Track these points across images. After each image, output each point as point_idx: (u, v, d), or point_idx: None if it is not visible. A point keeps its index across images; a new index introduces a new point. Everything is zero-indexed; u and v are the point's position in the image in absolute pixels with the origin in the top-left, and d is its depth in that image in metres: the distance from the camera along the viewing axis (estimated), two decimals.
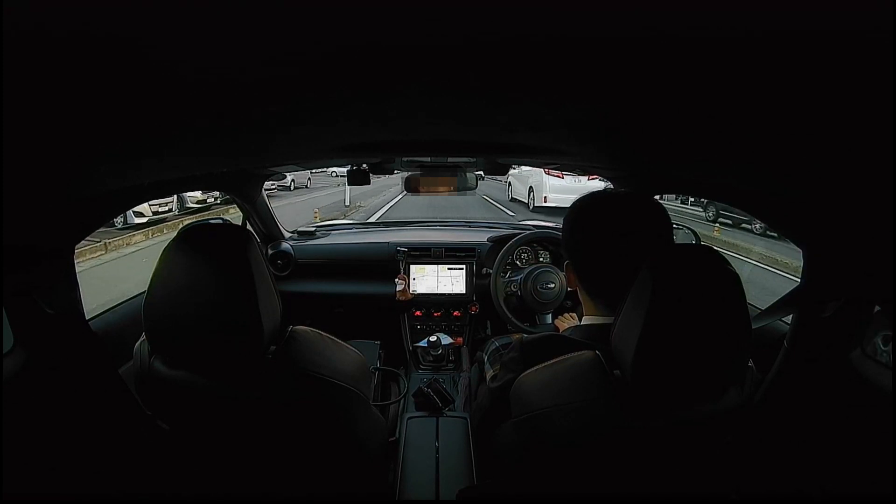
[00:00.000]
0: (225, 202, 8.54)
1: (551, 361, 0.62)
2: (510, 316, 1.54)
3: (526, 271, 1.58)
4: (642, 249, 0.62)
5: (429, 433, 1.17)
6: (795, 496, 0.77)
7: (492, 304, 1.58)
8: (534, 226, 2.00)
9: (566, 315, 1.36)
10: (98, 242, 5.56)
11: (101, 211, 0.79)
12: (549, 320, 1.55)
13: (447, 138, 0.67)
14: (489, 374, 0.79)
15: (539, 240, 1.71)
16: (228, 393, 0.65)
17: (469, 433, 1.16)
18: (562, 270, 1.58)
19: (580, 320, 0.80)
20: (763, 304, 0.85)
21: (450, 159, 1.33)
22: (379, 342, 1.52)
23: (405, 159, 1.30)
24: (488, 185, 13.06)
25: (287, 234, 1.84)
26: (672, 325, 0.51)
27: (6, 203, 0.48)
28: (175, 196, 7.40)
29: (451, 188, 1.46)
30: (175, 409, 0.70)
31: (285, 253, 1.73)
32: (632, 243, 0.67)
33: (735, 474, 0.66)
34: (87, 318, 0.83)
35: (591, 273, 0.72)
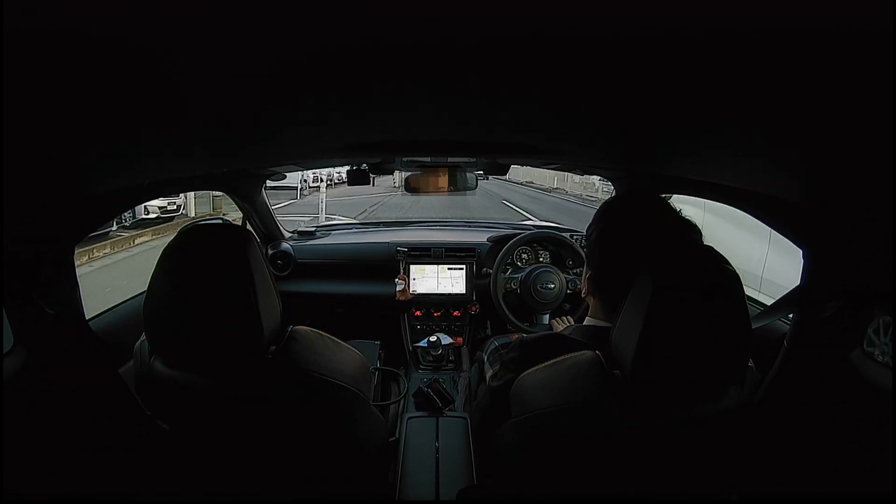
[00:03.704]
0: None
1: (551, 361, 0.62)
2: (508, 313, 1.54)
3: (526, 271, 1.58)
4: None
5: (429, 433, 1.17)
6: (795, 496, 0.77)
7: (492, 304, 1.58)
8: (534, 226, 2.00)
9: (562, 318, 1.36)
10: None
11: (101, 211, 0.79)
12: (546, 321, 1.55)
13: (447, 138, 0.67)
14: (489, 373, 0.79)
15: (539, 240, 1.71)
16: (228, 393, 0.65)
17: (469, 433, 1.16)
18: (562, 271, 1.58)
19: (581, 321, 0.79)
20: None
21: (450, 159, 1.33)
22: (379, 342, 1.52)
23: (405, 159, 1.30)
24: (525, 197, 12.76)
25: (287, 234, 1.84)
26: (672, 324, 0.51)
27: (6, 203, 0.48)
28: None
29: (451, 188, 1.46)
30: (175, 409, 0.70)
31: (285, 253, 1.73)
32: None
33: (735, 474, 0.66)
34: (87, 318, 0.83)
35: (609, 281, 0.69)
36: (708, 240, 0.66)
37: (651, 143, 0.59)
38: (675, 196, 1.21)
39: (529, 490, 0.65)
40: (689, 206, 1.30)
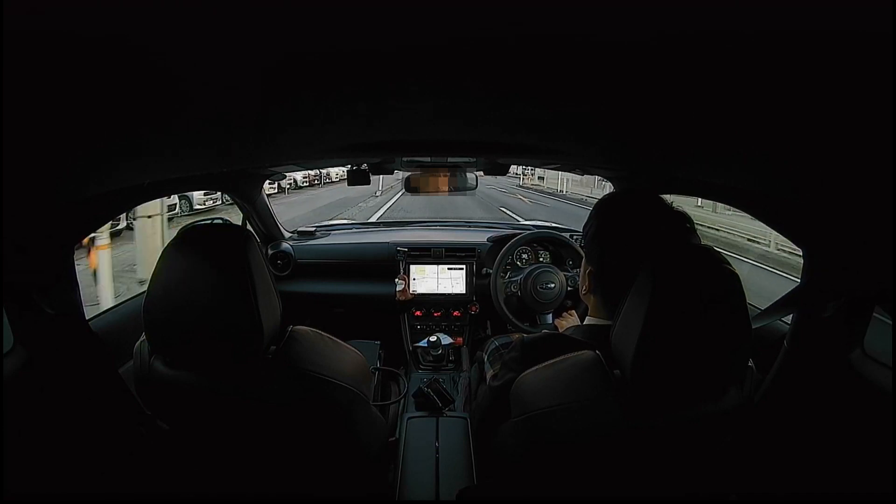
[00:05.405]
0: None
1: (551, 361, 0.62)
2: (510, 316, 1.54)
3: (526, 271, 1.57)
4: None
5: (429, 433, 1.17)
6: (795, 496, 0.77)
7: (492, 304, 1.58)
8: (534, 226, 2.00)
9: (566, 314, 1.35)
10: None
11: (101, 211, 0.79)
12: (550, 320, 1.55)
13: (447, 138, 0.67)
14: (489, 373, 0.79)
15: (539, 240, 1.71)
16: (228, 393, 0.65)
17: (469, 433, 1.16)
18: (562, 270, 1.58)
19: (581, 320, 0.79)
20: None
21: (450, 159, 1.33)
22: (379, 342, 1.52)
23: (405, 159, 1.30)
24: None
25: (287, 234, 1.84)
26: (672, 324, 0.51)
27: (6, 203, 0.48)
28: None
29: (451, 188, 1.46)
30: (175, 408, 0.70)
31: (285, 253, 1.73)
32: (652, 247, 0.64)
33: (735, 474, 0.66)
34: (87, 318, 0.83)
35: (610, 276, 0.69)
36: None
37: (650, 144, 0.59)
38: None
39: (529, 490, 0.65)
40: None
